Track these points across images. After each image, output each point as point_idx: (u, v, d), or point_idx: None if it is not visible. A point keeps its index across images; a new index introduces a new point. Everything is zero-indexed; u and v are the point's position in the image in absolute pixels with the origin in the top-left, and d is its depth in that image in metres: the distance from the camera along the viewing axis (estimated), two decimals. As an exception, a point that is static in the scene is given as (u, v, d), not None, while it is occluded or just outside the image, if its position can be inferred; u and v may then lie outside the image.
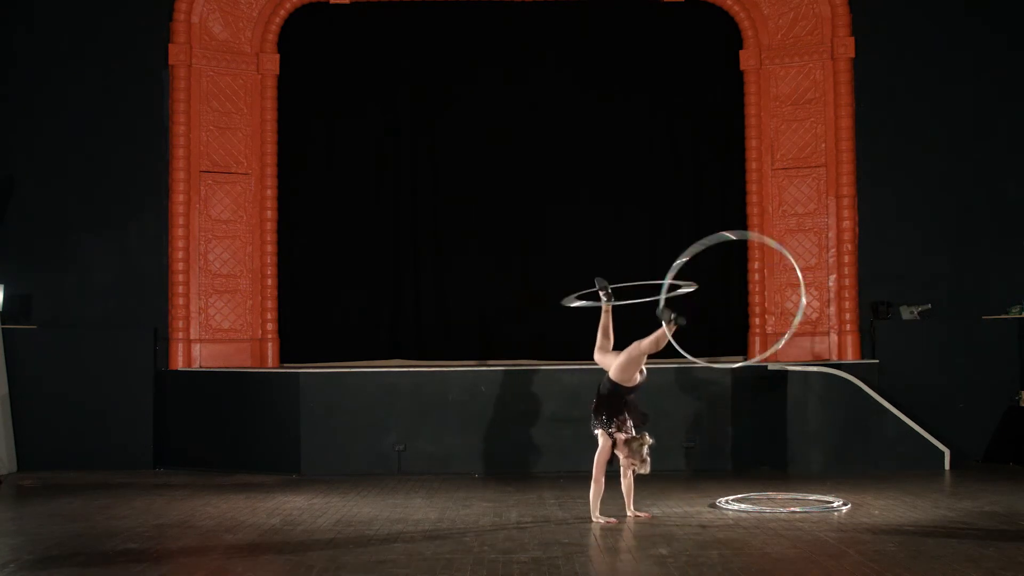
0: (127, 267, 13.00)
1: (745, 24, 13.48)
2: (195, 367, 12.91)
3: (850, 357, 12.80)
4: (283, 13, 13.51)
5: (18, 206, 12.86)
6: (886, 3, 13.20)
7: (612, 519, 8.46)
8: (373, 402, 11.85)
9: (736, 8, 13.48)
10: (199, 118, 13.13)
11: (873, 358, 12.57)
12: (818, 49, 13.25)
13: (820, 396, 11.65)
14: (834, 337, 13.04)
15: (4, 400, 12.09)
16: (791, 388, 11.71)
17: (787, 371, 11.80)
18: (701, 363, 9.02)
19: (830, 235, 13.12)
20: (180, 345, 12.88)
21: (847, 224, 13.04)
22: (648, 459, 8.40)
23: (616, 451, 8.49)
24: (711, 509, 9.06)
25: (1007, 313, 12.48)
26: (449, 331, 13.61)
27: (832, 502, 9.17)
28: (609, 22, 13.73)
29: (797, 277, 13.02)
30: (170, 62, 13.02)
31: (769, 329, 13.24)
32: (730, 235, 9.07)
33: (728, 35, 13.58)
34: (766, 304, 13.29)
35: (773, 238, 13.25)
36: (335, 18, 13.65)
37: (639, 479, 8.73)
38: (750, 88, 13.43)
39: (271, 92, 13.46)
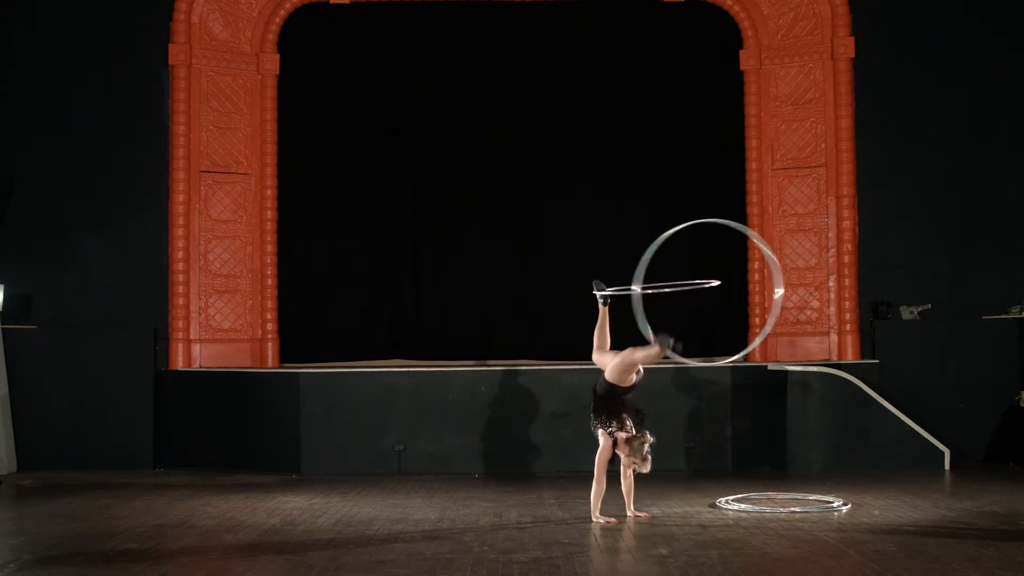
0: (127, 267, 13.00)
1: (745, 24, 13.49)
2: (195, 367, 12.91)
3: (850, 357, 12.80)
4: (283, 13, 13.51)
5: (18, 206, 12.86)
6: (886, 3, 13.21)
7: (612, 519, 8.47)
8: (373, 402, 11.85)
9: (736, 8, 13.49)
10: (199, 118, 13.13)
11: (873, 358, 12.57)
12: (818, 49, 13.25)
13: (820, 396, 11.66)
14: (834, 337, 13.05)
15: (4, 400, 12.10)
16: (791, 388, 11.71)
17: (787, 371, 11.80)
18: (693, 363, 9.02)
19: (830, 235, 13.13)
20: (180, 345, 12.88)
21: (847, 224, 13.04)
22: (649, 457, 8.41)
23: (617, 450, 8.49)
24: (711, 509, 9.06)
25: (1007, 313, 12.48)
26: (449, 331, 13.61)
27: (832, 502, 9.17)
28: (609, 22, 13.73)
29: (797, 276, 13.24)
30: (170, 62, 13.03)
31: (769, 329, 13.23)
32: (715, 221, 9.09)
33: (728, 35, 13.58)
34: (766, 304, 13.28)
35: (773, 238, 13.29)
36: (335, 18, 13.65)
37: (639, 479, 8.73)
38: (750, 88, 13.43)
39: (271, 92, 13.46)
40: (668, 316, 12.74)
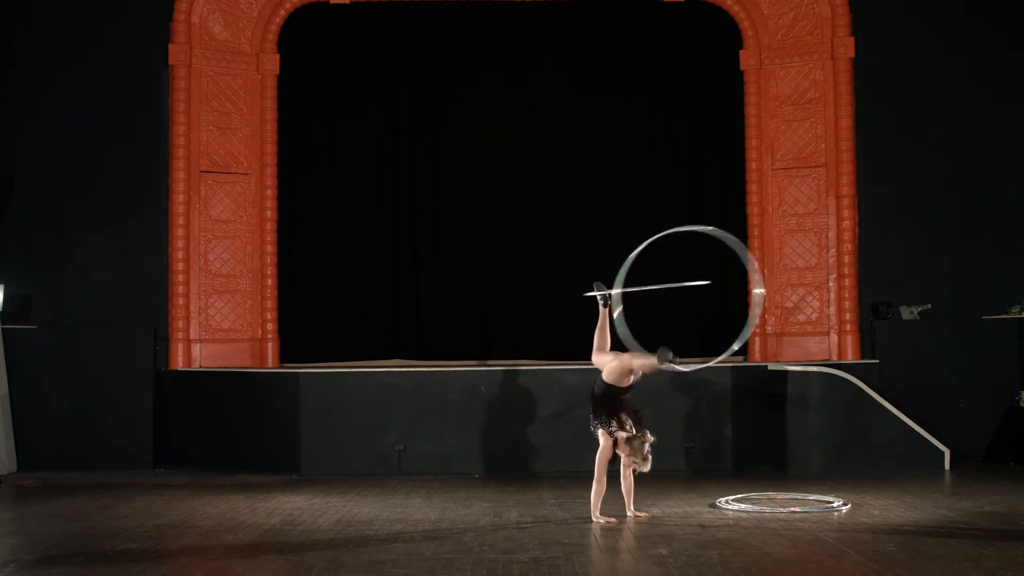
0: (127, 267, 13.00)
1: (745, 24, 13.48)
2: (195, 367, 12.91)
3: (850, 357, 12.80)
4: (283, 13, 13.51)
5: (18, 206, 12.86)
6: (886, 3, 13.20)
7: (612, 519, 8.47)
8: (373, 402, 11.85)
9: (736, 8, 13.48)
10: (199, 118, 13.13)
11: (873, 358, 12.57)
12: (818, 49, 13.25)
13: (820, 396, 11.66)
14: (834, 337, 13.04)
15: (4, 400, 12.10)
16: (791, 388, 11.71)
17: (787, 371, 11.80)
18: (687, 368, 8.99)
19: (830, 235, 13.12)
20: (180, 345, 12.88)
21: (847, 224, 13.04)
22: (650, 457, 8.42)
23: (618, 450, 8.50)
24: (711, 509, 9.06)
25: (1007, 313, 12.48)
26: (449, 331, 13.61)
27: (832, 502, 9.17)
28: (609, 22, 13.73)
29: (797, 276, 13.23)
30: (170, 62, 13.03)
31: (769, 329, 13.24)
32: (696, 229, 9.03)
33: (728, 35, 13.58)
34: (766, 304, 13.28)
35: (773, 238, 13.29)
36: (335, 18, 13.65)
37: (639, 479, 8.73)
38: (750, 88, 13.43)
39: (271, 92, 13.46)
40: (668, 316, 12.87)
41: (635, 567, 7.01)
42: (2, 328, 12.20)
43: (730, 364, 12.30)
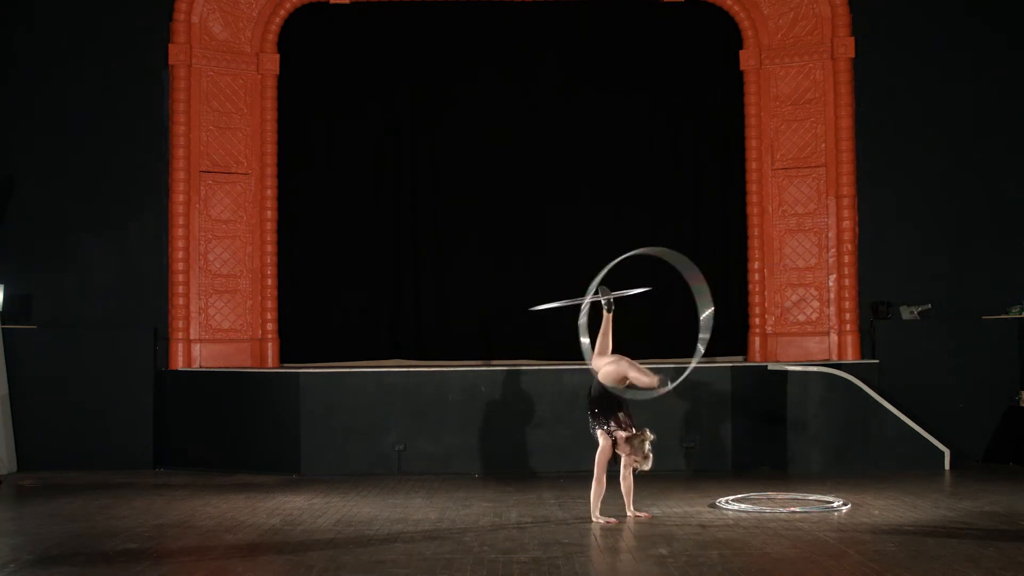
0: (127, 267, 13.00)
1: (745, 24, 13.48)
2: (195, 367, 12.91)
3: (850, 357, 12.80)
4: (283, 13, 13.51)
5: (18, 206, 12.86)
6: (886, 3, 13.20)
7: (612, 519, 8.47)
8: (373, 402, 11.85)
9: (736, 8, 13.48)
10: (199, 118, 13.13)
11: (873, 358, 12.56)
12: (818, 49, 13.25)
13: (820, 396, 11.65)
14: (834, 337, 13.04)
15: (4, 400, 12.10)
16: (791, 388, 11.71)
17: (787, 371, 11.79)
18: (672, 386, 8.94)
19: (830, 235, 13.12)
20: (180, 345, 12.88)
21: (847, 224, 13.04)
22: (650, 455, 8.42)
23: (618, 450, 8.50)
24: (711, 509, 9.06)
25: (1007, 313, 12.48)
26: (449, 331, 13.61)
27: (832, 502, 9.17)
28: (609, 22, 13.73)
29: (797, 276, 13.23)
30: (170, 62, 13.03)
31: (769, 329, 13.24)
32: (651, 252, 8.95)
33: (728, 35, 13.58)
34: (766, 304, 13.29)
35: (773, 238, 13.29)
36: (335, 18, 13.65)
37: (639, 479, 8.73)
38: (750, 88, 13.43)
39: (271, 92, 13.46)
40: (668, 316, 12.86)
41: (635, 567, 7.01)
42: (2, 328, 12.20)
43: (730, 364, 12.34)
